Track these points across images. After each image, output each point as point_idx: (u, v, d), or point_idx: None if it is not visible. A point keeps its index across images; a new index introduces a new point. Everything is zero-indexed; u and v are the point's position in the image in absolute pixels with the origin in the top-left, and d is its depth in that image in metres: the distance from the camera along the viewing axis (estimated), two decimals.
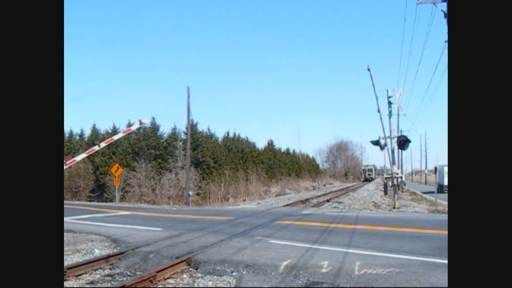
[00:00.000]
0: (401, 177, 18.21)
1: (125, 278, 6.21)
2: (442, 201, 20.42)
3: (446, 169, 29.71)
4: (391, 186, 17.96)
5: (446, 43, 12.91)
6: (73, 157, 33.12)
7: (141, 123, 22.16)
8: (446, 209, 16.17)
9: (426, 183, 68.88)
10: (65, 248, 8.44)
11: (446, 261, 6.02)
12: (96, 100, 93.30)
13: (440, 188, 29.75)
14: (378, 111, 17.08)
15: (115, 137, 23.32)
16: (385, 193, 21.66)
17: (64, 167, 20.16)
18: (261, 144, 54.48)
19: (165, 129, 39.04)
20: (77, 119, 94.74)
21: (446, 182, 29.32)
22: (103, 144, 21.69)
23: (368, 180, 76.95)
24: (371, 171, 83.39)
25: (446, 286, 4.45)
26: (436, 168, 21.10)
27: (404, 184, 39.27)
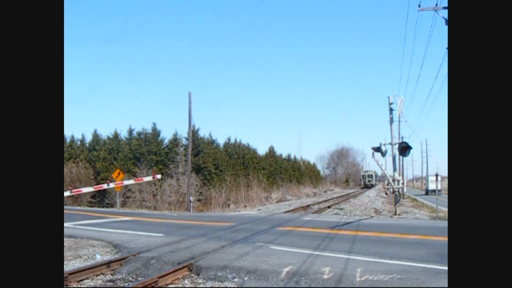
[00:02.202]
0: (402, 188, 18.32)
1: (126, 284, 6.23)
2: (443, 207, 20.38)
3: (430, 177, 44.17)
4: (392, 193, 18.06)
5: (447, 50, 13.01)
6: (74, 162, 33.39)
7: (154, 177, 23.99)
8: (447, 215, 16.14)
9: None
10: (67, 254, 8.45)
11: (447, 268, 6.02)
12: (97, 104, 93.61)
13: (427, 192, 45.06)
14: (376, 158, 17.44)
15: (126, 182, 25.17)
16: (386, 193, 22.43)
17: (69, 194, 20.73)
18: (262, 150, 54.64)
19: (166, 135, 39.03)
20: (78, 122, 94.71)
21: (430, 187, 43.48)
22: (112, 185, 22.94)
23: (368, 186, 73.00)
24: (371, 177, 78.33)
25: None
26: (437, 175, 21.14)
27: (404, 191, 39.87)
